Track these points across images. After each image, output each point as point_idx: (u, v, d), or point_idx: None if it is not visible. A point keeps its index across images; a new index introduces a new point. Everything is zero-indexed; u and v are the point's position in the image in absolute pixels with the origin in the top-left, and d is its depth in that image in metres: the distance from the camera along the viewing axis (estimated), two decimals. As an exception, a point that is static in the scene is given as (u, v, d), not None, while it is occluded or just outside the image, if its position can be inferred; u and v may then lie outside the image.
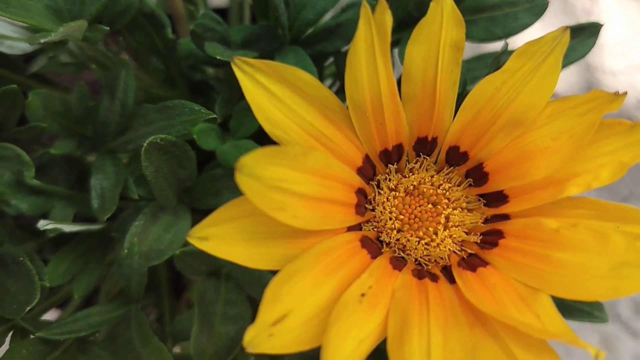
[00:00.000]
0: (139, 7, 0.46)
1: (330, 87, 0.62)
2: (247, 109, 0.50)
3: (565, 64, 0.52)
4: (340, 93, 0.56)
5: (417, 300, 0.34)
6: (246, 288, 0.50)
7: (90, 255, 0.50)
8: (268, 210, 0.32)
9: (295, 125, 0.36)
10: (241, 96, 0.53)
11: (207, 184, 0.48)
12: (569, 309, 0.51)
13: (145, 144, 0.41)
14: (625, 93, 0.34)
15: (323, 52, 0.50)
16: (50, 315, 0.57)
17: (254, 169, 0.31)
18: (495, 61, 0.47)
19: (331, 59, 0.58)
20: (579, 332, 0.97)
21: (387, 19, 0.34)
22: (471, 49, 0.63)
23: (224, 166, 0.48)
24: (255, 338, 0.31)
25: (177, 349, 0.53)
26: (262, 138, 0.49)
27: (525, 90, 0.36)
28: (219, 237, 0.34)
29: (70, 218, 0.49)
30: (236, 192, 0.48)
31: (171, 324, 0.54)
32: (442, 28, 0.35)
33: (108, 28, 0.43)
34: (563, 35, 0.36)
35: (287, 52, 0.49)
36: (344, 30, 0.49)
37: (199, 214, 0.51)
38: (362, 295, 0.33)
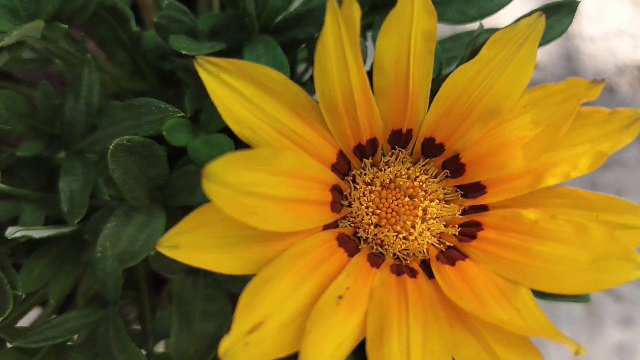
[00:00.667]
0: (100, 0, 0.44)
1: (303, 73, 0.61)
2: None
3: (542, 43, 0.51)
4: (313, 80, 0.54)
5: (395, 298, 0.34)
6: (225, 284, 0.49)
7: (65, 258, 0.48)
8: (239, 216, 0.31)
9: (265, 124, 0.35)
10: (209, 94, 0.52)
11: (179, 181, 0.47)
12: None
13: (111, 146, 0.40)
14: (603, 80, 0.33)
15: (294, 40, 0.49)
16: (28, 316, 0.56)
17: (222, 175, 0.30)
18: (472, 43, 0.46)
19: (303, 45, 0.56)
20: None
21: (355, 12, 0.32)
22: (447, 29, 0.61)
23: (195, 162, 0.47)
24: (231, 348, 0.30)
25: (159, 347, 0.53)
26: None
27: (501, 79, 0.35)
28: (190, 245, 0.33)
29: (42, 221, 0.48)
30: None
31: (152, 321, 0.53)
32: (413, 18, 0.34)
33: (67, 26, 0.41)
34: (538, 22, 0.34)
35: (257, 42, 0.47)
36: (315, 16, 0.48)
37: (174, 211, 0.50)
38: (340, 297, 0.33)
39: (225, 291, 0.49)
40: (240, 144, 0.47)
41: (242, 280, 0.48)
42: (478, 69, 0.35)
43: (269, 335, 0.31)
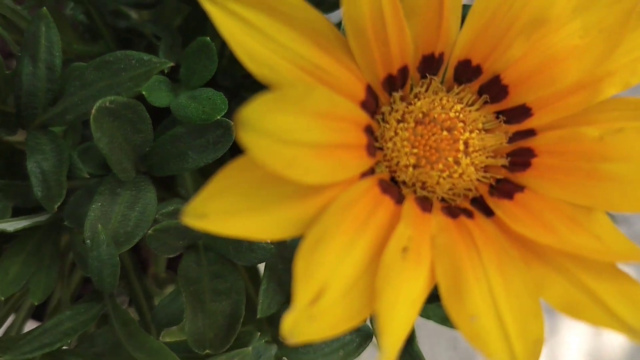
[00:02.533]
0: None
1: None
2: (199, 52, 0.42)
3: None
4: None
5: (462, 243, 0.30)
6: (232, 257, 0.44)
7: (43, 251, 0.42)
8: (281, 169, 0.26)
9: (285, 60, 0.29)
10: (186, 40, 0.45)
11: (167, 147, 0.41)
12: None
13: (93, 110, 0.33)
14: (667, -30, 0.29)
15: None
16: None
17: (260, 122, 0.25)
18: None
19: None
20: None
21: None
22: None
23: (183, 123, 0.41)
24: (296, 325, 0.26)
25: (166, 338, 0.47)
26: (214, 85, 0.42)
27: (544, -18, 0.31)
28: (220, 211, 0.28)
29: (9, 213, 0.41)
30: (204, 153, 0.42)
31: (149, 308, 0.48)
32: None
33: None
34: None
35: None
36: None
37: (160, 182, 0.44)
38: (404, 249, 0.28)
39: (230, 264, 0.44)
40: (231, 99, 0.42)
41: (250, 250, 0.43)
42: (518, -26, 0.31)
43: (334, 303, 0.27)
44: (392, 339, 0.26)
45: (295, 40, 0.29)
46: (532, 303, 0.28)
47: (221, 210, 0.28)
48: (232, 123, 0.39)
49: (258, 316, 0.43)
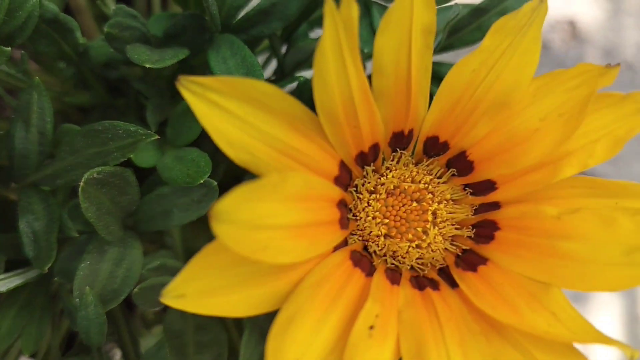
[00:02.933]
0: (39, 13, 0.39)
1: (265, 63, 0.57)
2: (184, 114, 0.44)
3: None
4: (277, 72, 0.51)
5: (426, 318, 0.32)
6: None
7: (34, 304, 0.43)
8: (252, 254, 0.28)
9: (262, 144, 0.31)
10: (173, 99, 0.47)
11: (153, 205, 0.43)
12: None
13: (82, 182, 0.35)
14: (618, 65, 0.31)
15: (259, 37, 0.45)
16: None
17: (233, 213, 0.27)
18: (449, 25, 0.43)
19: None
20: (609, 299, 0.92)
21: (354, 13, 0.29)
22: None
23: (169, 184, 0.43)
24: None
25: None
26: (205, 145, 0.43)
27: (507, 69, 0.33)
28: (197, 291, 0.30)
29: (1, 267, 0.42)
30: (189, 211, 0.43)
31: (136, 355, 0.49)
32: (413, 13, 0.31)
33: (9, 49, 0.36)
34: (541, 6, 0.32)
35: (221, 43, 0.43)
36: (280, 9, 0.44)
37: (147, 236, 0.46)
38: (371, 327, 0.30)
39: (215, 318, 0.46)
40: (216, 157, 0.44)
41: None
42: (482, 60, 0.33)
43: (304, 380, 0.28)
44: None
45: (272, 125, 0.31)
46: (489, 378, 0.30)
47: (198, 291, 0.30)
48: (215, 184, 0.40)
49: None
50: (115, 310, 0.49)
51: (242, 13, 0.44)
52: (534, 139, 0.33)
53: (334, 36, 0.30)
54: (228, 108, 0.30)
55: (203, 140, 0.45)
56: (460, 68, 0.33)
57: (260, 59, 0.58)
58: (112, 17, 0.41)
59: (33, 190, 0.42)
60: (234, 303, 0.30)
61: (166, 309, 0.45)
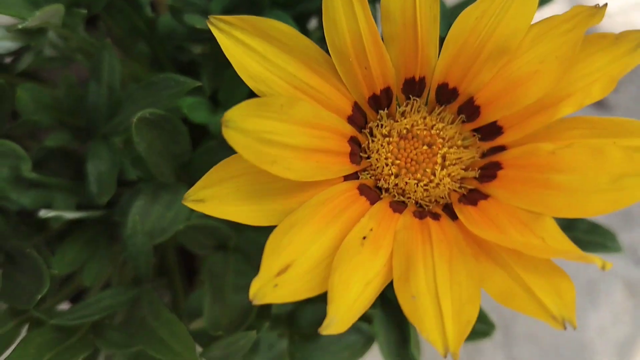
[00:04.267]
0: (115, -12, 0.46)
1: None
2: (235, 79, 0.49)
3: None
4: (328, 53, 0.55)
5: (419, 239, 0.34)
6: (255, 258, 0.50)
7: (97, 242, 0.50)
8: (260, 164, 0.32)
9: (279, 79, 0.36)
10: (227, 67, 0.53)
11: (203, 158, 0.48)
12: (580, 242, 0.51)
13: (134, 119, 0.41)
14: (606, 5, 0.33)
15: (305, 12, 0.50)
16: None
17: (240, 122, 0.31)
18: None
19: (316, 26, 0.57)
20: (602, 280, 0.96)
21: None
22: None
23: (218, 138, 0.48)
24: (260, 289, 0.31)
25: (194, 326, 0.53)
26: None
27: (506, 16, 0.35)
28: (215, 198, 0.34)
29: (73, 208, 0.49)
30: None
31: (185, 303, 0.54)
32: (415, -38, 0.35)
33: (85, 11, 0.43)
34: (538, -44, 0.35)
35: (269, 17, 0.48)
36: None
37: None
38: (364, 238, 0.33)
39: (255, 265, 0.50)
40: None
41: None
42: (483, 9, 0.36)
43: (298, 277, 0.32)
44: (340, 309, 0.31)
45: (288, 62, 0.36)
46: (472, 291, 0.32)
47: (215, 197, 0.34)
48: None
49: (274, 312, 0.49)
50: (171, 263, 0.54)
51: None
52: (534, 80, 0.35)
53: (340, -22, 0.34)
54: (250, 44, 0.35)
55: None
56: (464, 17, 0.36)
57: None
58: (176, -6, 0.48)
59: (102, 140, 0.48)
60: (248, 213, 0.34)
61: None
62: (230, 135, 0.31)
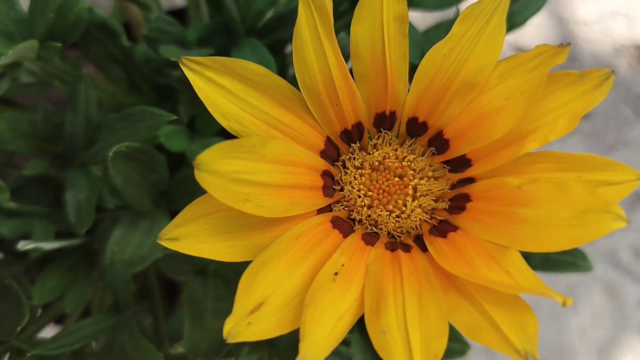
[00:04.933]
0: (89, 18, 0.46)
1: (295, 74, 0.62)
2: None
3: (520, 22, 0.52)
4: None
5: (390, 272, 0.35)
6: (234, 283, 0.50)
7: (77, 270, 0.50)
8: (233, 204, 0.33)
9: (252, 116, 0.36)
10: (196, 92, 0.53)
11: (180, 185, 0.49)
12: (552, 262, 0.52)
13: (110, 153, 0.41)
14: (569, 44, 0.34)
15: (279, 40, 0.51)
16: (49, 333, 0.58)
17: (212, 164, 0.32)
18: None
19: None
20: (581, 284, 0.97)
21: (327, 1, 0.34)
22: (429, 19, 0.63)
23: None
24: (234, 328, 0.32)
25: (177, 349, 0.54)
26: (230, 134, 0.49)
27: (474, 53, 0.36)
28: (189, 236, 0.35)
29: (52, 236, 0.49)
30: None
31: (166, 326, 0.55)
32: (383, 3, 0.36)
33: (60, 45, 0.43)
34: (502, -6, 0.36)
35: (243, 45, 0.49)
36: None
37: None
38: (335, 274, 0.34)
39: (235, 290, 0.51)
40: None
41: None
42: (451, 46, 0.37)
43: (270, 314, 0.33)
44: (312, 346, 0.31)
45: (260, 100, 0.36)
46: (441, 324, 0.33)
47: (190, 235, 0.35)
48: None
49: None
50: (152, 285, 0.55)
51: (264, 19, 0.50)
52: (500, 115, 0.36)
53: (310, 19, 0.35)
54: (222, 84, 0.36)
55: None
56: (432, 54, 0.37)
57: (292, 71, 0.63)
58: (151, 23, 0.48)
59: (81, 169, 0.49)
60: (222, 249, 0.35)
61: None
62: (203, 178, 0.32)
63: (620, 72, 1.16)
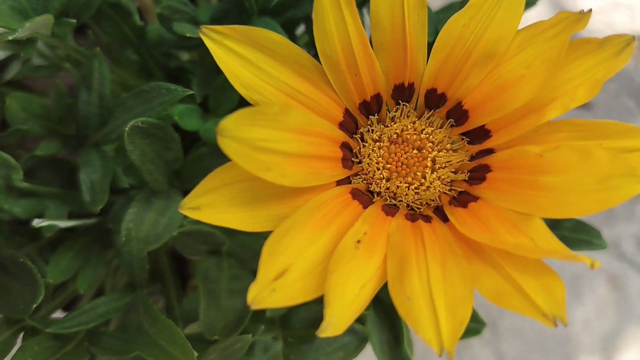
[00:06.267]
0: (103, -3, 0.46)
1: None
2: (225, 86, 0.50)
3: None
4: (316, 57, 0.56)
5: (412, 241, 0.35)
6: (249, 263, 0.50)
7: (91, 250, 0.50)
8: (255, 171, 0.33)
9: (271, 86, 0.36)
10: (217, 74, 0.53)
11: (194, 164, 0.48)
12: (566, 240, 0.52)
13: (127, 128, 0.41)
14: (590, 10, 0.34)
15: (293, 19, 0.50)
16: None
17: (234, 131, 0.32)
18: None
19: (304, 30, 0.58)
20: (585, 275, 0.98)
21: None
22: (440, 0, 0.63)
23: (209, 145, 0.49)
24: (258, 294, 0.32)
25: (188, 331, 0.54)
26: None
27: (493, 22, 0.36)
28: (210, 205, 0.34)
29: (65, 216, 0.49)
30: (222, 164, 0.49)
31: (179, 308, 0.55)
32: (403, -28, 0.36)
33: (74, 21, 0.43)
34: (523, -38, 0.36)
35: (257, 24, 0.49)
36: (310, -6, 0.49)
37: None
38: (358, 241, 0.34)
39: (249, 270, 0.51)
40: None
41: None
42: (470, 15, 0.37)
43: (294, 281, 0.32)
44: (337, 312, 0.31)
45: (280, 70, 0.36)
46: (465, 291, 0.32)
47: (211, 205, 0.34)
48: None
49: (267, 314, 0.49)
50: (164, 268, 0.55)
51: (277, -2, 0.50)
52: (520, 84, 0.36)
53: (330, -14, 0.34)
54: (242, 53, 0.36)
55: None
56: (452, 23, 0.37)
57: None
58: (164, 2, 0.48)
59: (94, 149, 0.48)
60: (243, 219, 0.35)
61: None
62: (226, 144, 0.31)
63: (623, 64, 1.16)
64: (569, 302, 1.05)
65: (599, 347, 1.05)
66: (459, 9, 0.56)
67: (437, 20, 0.53)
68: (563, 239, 0.51)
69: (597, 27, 1.17)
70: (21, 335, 0.45)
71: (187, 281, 0.69)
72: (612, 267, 1.08)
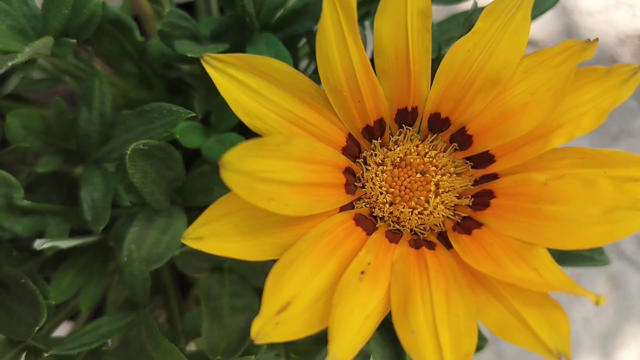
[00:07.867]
0: (103, 14, 0.46)
1: (306, 68, 0.62)
2: (225, 103, 0.49)
3: (536, 15, 0.52)
4: (317, 73, 0.56)
5: (416, 270, 0.35)
6: (250, 279, 0.50)
7: (92, 267, 0.50)
8: (258, 202, 0.32)
9: (274, 114, 0.36)
10: (218, 91, 0.53)
11: (196, 182, 0.48)
12: (569, 256, 0.52)
13: (128, 151, 0.41)
14: (597, 40, 0.34)
15: (294, 35, 0.50)
16: (62, 329, 0.58)
17: (237, 164, 0.31)
18: (467, 20, 0.47)
19: (304, 40, 0.57)
20: (585, 274, 0.98)
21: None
22: (443, 11, 0.62)
23: (210, 162, 0.48)
24: (262, 329, 0.31)
25: (191, 347, 0.54)
26: (245, 129, 0.49)
27: (498, 49, 0.36)
28: (213, 235, 0.34)
29: (67, 233, 0.49)
30: (226, 187, 0.49)
31: (181, 322, 0.55)
32: (407, -2, 0.35)
33: (75, 41, 0.42)
34: (528, -12, 0.35)
35: (258, 40, 0.48)
36: (312, 9, 0.49)
37: (193, 211, 0.52)
38: (362, 272, 0.34)
39: (251, 286, 0.51)
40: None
41: (265, 274, 0.50)
42: (475, 41, 0.36)
43: (298, 314, 0.32)
44: (341, 345, 0.31)
45: (282, 97, 0.36)
46: (470, 323, 0.32)
47: (214, 235, 0.34)
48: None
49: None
50: (166, 281, 0.55)
51: (279, 14, 0.50)
52: (525, 111, 0.36)
53: (334, 16, 0.34)
54: (244, 81, 0.35)
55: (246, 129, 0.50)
56: (456, 49, 0.37)
57: (303, 64, 0.63)
58: (165, 18, 0.48)
59: (95, 166, 0.48)
60: (246, 249, 0.35)
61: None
62: (228, 177, 0.31)
63: (624, 62, 1.15)
64: (569, 300, 1.06)
65: (598, 345, 1.05)
66: (462, 20, 0.56)
67: (440, 32, 0.52)
68: (565, 255, 0.52)
69: (598, 26, 1.16)
70: (24, 355, 0.45)
71: (188, 290, 0.69)
72: (612, 266, 1.08)
